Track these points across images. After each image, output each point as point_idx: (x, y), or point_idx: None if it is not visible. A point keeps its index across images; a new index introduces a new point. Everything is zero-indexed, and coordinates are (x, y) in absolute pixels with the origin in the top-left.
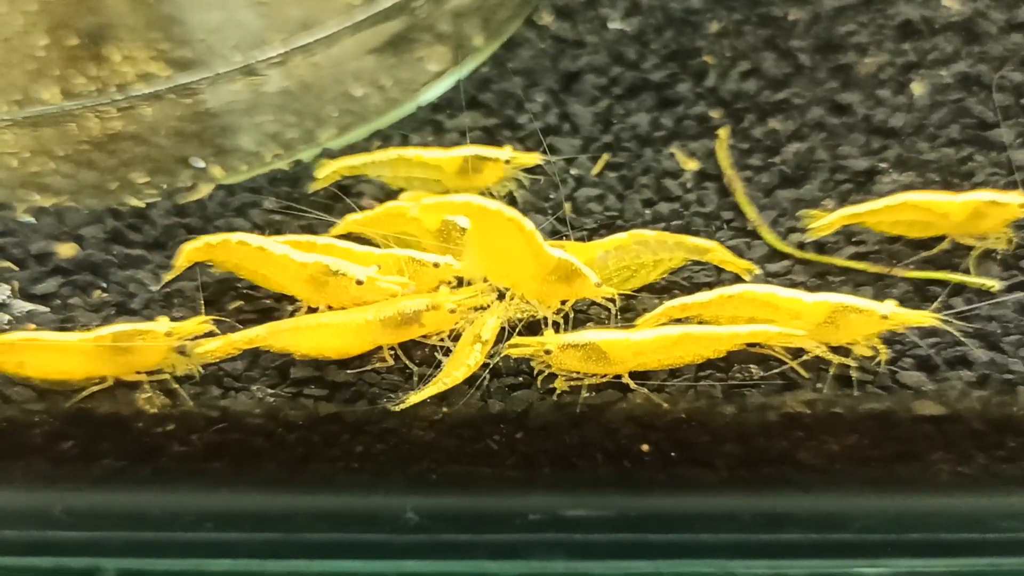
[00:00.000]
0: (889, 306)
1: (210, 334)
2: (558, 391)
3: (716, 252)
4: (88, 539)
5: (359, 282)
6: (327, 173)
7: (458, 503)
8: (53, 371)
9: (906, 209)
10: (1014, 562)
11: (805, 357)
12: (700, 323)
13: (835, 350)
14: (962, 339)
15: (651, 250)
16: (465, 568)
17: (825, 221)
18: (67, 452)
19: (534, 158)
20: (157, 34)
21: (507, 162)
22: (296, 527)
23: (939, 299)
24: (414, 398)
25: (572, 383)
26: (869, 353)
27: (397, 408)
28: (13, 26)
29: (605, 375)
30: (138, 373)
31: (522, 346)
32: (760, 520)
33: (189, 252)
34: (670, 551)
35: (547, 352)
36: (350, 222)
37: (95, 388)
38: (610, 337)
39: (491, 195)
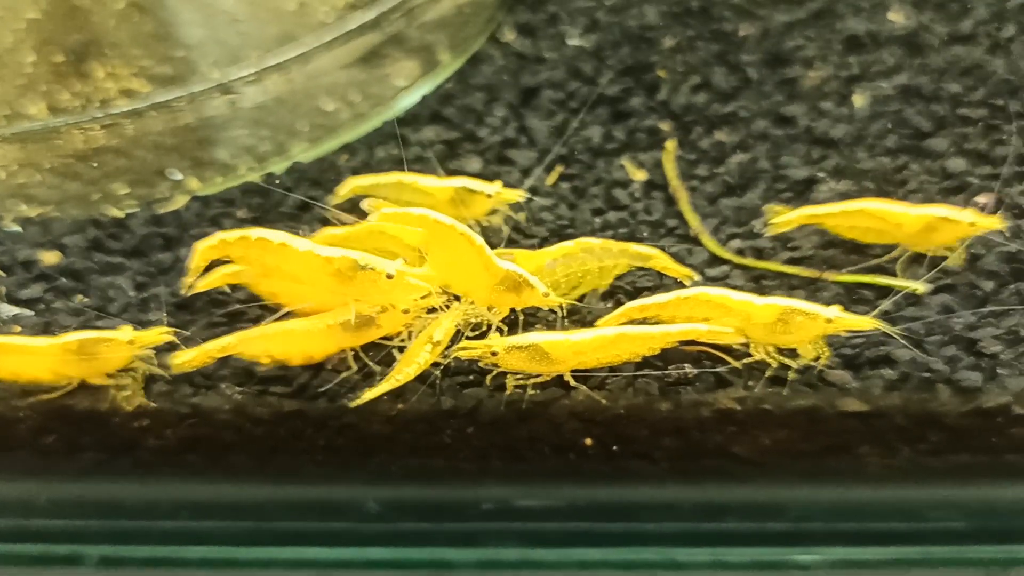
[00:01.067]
0: (834, 310)
1: (171, 344)
2: (508, 390)
3: (658, 259)
4: (71, 527)
5: (389, 276)
6: (347, 190)
7: (416, 493)
8: (24, 373)
9: (863, 216)
10: (943, 550)
11: (749, 360)
12: (657, 323)
13: (780, 351)
14: (904, 343)
15: (597, 257)
16: (423, 555)
17: (786, 218)
18: (50, 446)
19: (518, 194)
20: (139, 51)
21: (489, 196)
22: (265, 516)
23: (881, 305)
24: (369, 394)
25: (519, 382)
26: (814, 355)
27: (353, 404)
28: (2, 43)
29: (548, 374)
30: (107, 376)
31: (471, 348)
32: (700, 510)
33: (203, 251)
34: (616, 539)
35: (494, 354)
36: (329, 235)
37: (63, 391)
38: (551, 338)
39: (479, 225)
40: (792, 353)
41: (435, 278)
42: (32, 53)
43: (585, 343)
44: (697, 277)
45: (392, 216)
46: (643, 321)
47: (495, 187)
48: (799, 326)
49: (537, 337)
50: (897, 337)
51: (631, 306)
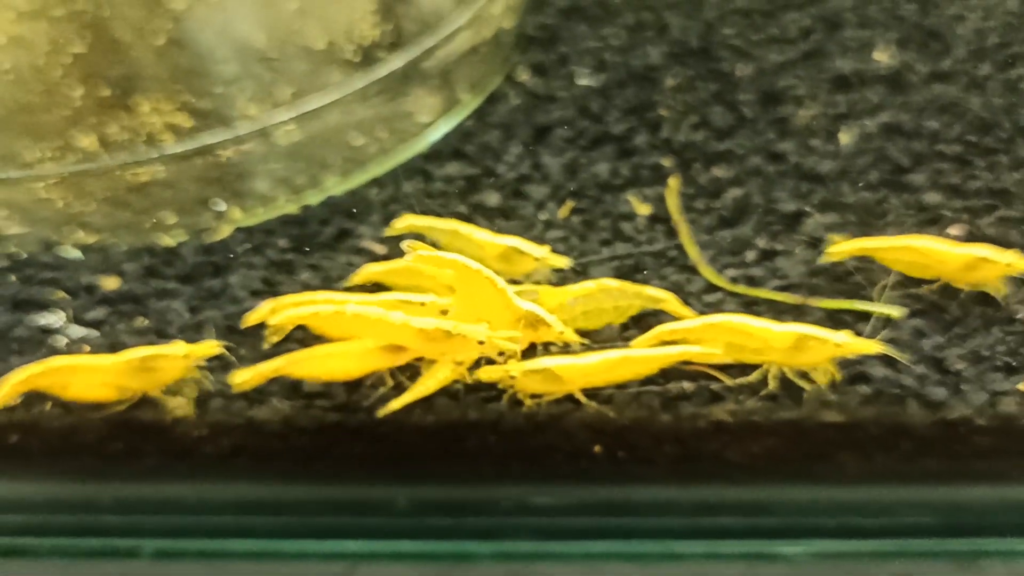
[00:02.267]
0: (843, 336)
1: (220, 356)
2: (525, 407)
3: (669, 303)
4: (130, 523)
5: (481, 343)
6: (403, 225)
7: (442, 493)
8: (90, 392)
9: (910, 251)
10: (916, 543)
11: (750, 378)
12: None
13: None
14: (908, 364)
15: (614, 297)
16: (448, 548)
17: (842, 248)
18: (115, 452)
19: (563, 261)
20: (179, 86)
21: (536, 259)
22: (306, 513)
23: (881, 332)
24: (395, 404)
25: (535, 399)
26: (827, 379)
27: (381, 414)
28: (51, 77)
29: (561, 392)
30: (163, 391)
31: (491, 372)
32: (696, 507)
33: (292, 318)
34: (622, 533)
35: (512, 377)
36: (370, 272)
37: (125, 404)
38: (562, 363)
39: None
40: (805, 375)
41: (460, 316)
42: (79, 87)
43: (592, 366)
44: None
45: (427, 259)
46: (672, 343)
47: (543, 251)
48: (811, 350)
49: (550, 362)
50: (901, 360)
51: (662, 329)
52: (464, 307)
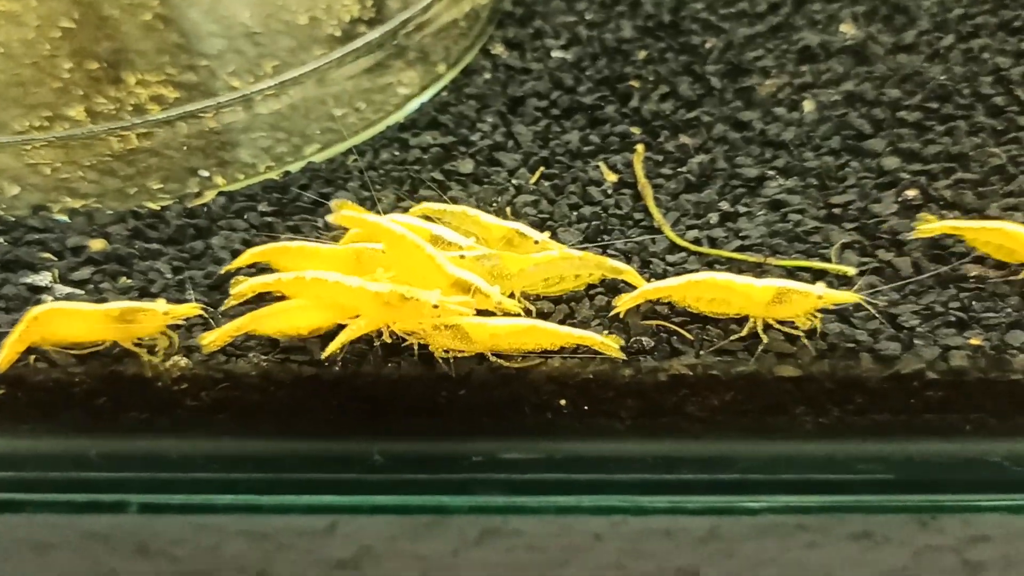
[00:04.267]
0: (821, 288)
1: (200, 318)
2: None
3: (630, 274)
4: (116, 478)
5: (435, 306)
6: (417, 210)
7: (415, 448)
8: (72, 335)
9: (997, 234)
10: (870, 498)
11: (741, 333)
12: (670, 303)
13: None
14: (878, 316)
15: (575, 267)
16: (422, 501)
17: (931, 226)
18: (101, 406)
19: (558, 247)
20: (165, 59)
21: (536, 243)
22: (285, 468)
23: (858, 283)
24: (332, 346)
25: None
26: (809, 325)
27: (324, 355)
28: (40, 51)
29: (469, 352)
30: (135, 343)
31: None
32: (660, 462)
33: (254, 286)
34: (588, 488)
35: (425, 330)
36: (253, 254)
37: (98, 348)
38: (472, 322)
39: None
40: (791, 324)
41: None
42: (68, 60)
43: (500, 328)
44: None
45: (351, 220)
46: (657, 302)
47: (544, 236)
48: (794, 303)
49: (461, 319)
50: (873, 312)
51: (647, 288)
52: (397, 273)
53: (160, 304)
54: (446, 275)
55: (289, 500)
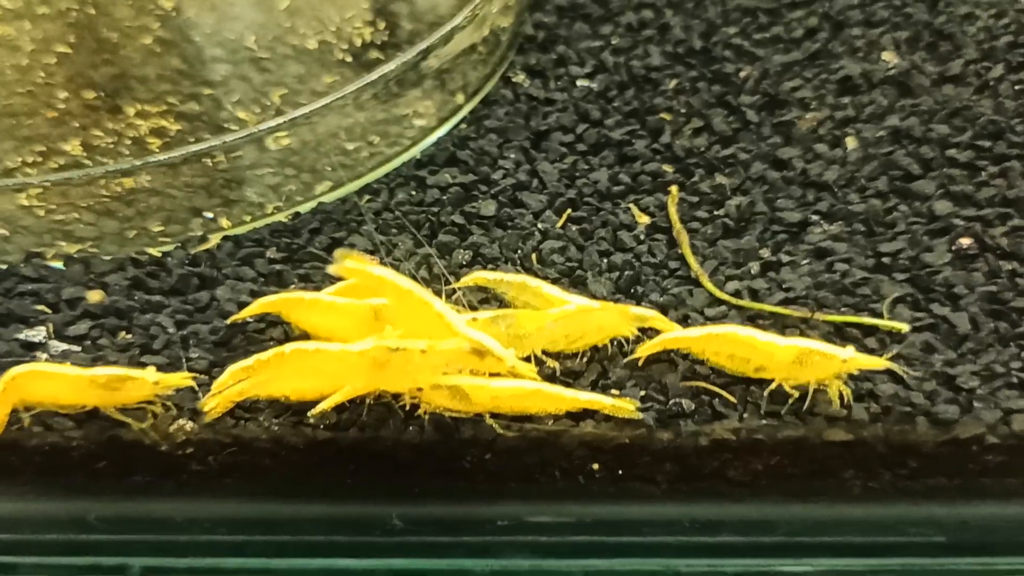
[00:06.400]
0: (849, 351)
1: (191, 389)
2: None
3: (656, 320)
4: (118, 541)
5: (423, 351)
6: (468, 280)
7: (437, 511)
8: (54, 399)
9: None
10: (920, 562)
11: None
12: (686, 356)
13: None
14: (911, 384)
15: (596, 319)
16: (444, 565)
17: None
18: (101, 470)
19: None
20: (166, 87)
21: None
22: (299, 531)
23: (895, 348)
24: (324, 405)
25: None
26: (837, 395)
27: (312, 415)
28: (33, 78)
29: (468, 413)
30: (119, 410)
31: (399, 384)
32: (698, 525)
33: (234, 372)
34: (621, 551)
35: (419, 390)
36: (262, 304)
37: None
38: (472, 382)
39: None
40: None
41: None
42: (64, 89)
43: (501, 390)
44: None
45: (354, 272)
46: (675, 350)
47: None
48: (816, 365)
49: (460, 379)
50: (907, 378)
51: (667, 336)
52: (404, 332)
53: (150, 372)
54: (456, 335)
55: (302, 563)
